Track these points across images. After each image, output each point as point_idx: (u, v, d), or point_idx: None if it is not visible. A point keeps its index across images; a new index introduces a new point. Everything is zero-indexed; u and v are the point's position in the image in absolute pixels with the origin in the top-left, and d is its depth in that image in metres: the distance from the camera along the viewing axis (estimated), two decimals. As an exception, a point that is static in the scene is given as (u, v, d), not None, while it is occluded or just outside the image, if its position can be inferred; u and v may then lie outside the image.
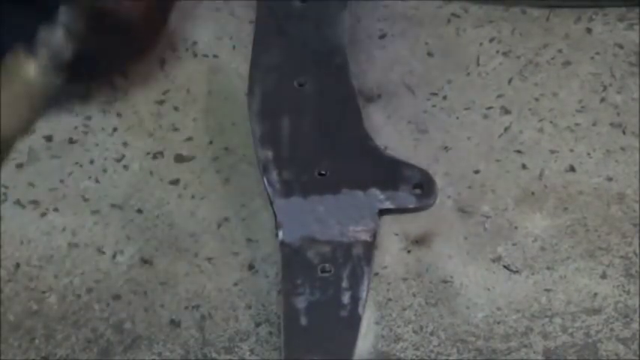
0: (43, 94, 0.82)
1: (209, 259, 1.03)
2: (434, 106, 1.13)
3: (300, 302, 0.96)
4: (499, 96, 1.13)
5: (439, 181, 1.05)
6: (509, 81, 1.15)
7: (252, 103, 1.07)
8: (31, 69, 0.81)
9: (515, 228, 1.04)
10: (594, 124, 1.11)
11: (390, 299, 1.00)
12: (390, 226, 1.03)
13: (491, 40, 1.18)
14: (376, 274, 1.01)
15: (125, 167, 1.10)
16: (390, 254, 1.02)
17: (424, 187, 1.04)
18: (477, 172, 1.08)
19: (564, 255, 1.02)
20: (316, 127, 1.06)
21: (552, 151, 1.09)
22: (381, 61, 1.16)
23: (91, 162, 1.10)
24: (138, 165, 1.10)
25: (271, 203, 1.02)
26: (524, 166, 1.08)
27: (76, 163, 1.10)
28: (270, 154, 1.04)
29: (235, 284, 1.01)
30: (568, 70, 1.15)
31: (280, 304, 0.97)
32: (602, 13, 1.19)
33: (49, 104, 0.84)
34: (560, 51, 1.17)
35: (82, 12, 0.84)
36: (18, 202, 1.07)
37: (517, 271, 1.01)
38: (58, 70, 0.83)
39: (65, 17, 0.84)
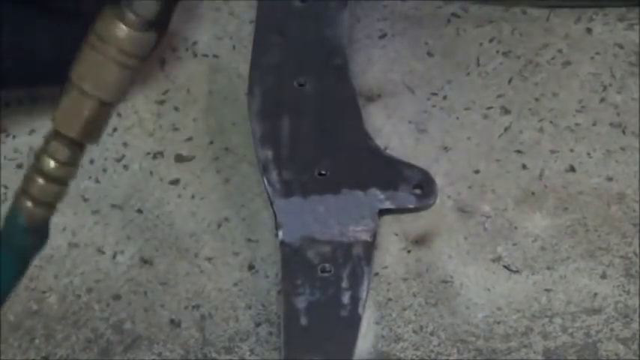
0: (138, 52, 0.77)
1: (209, 259, 1.03)
2: (434, 106, 1.13)
3: (300, 302, 0.96)
4: (499, 96, 1.13)
5: (439, 181, 1.05)
6: (509, 81, 1.14)
7: (252, 103, 1.07)
8: (121, 29, 0.77)
9: (515, 228, 1.04)
10: (594, 124, 1.11)
11: (390, 299, 1.00)
12: (390, 226, 1.03)
13: (491, 40, 1.18)
14: (376, 274, 1.01)
15: (125, 167, 1.10)
16: (390, 254, 1.02)
17: (424, 187, 1.04)
18: (477, 172, 1.08)
19: (564, 255, 1.02)
20: (316, 127, 1.06)
21: (552, 151, 1.09)
22: (381, 61, 1.16)
23: (91, 162, 1.10)
24: (138, 165, 1.10)
25: (271, 203, 1.02)
26: (524, 166, 1.08)
27: (76, 163, 1.10)
28: (270, 154, 1.04)
29: (235, 284, 1.01)
30: (568, 70, 1.15)
31: (280, 304, 0.97)
32: (602, 13, 1.19)
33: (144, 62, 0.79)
34: (560, 51, 1.17)
35: None
36: (18, 202, 1.07)
37: (517, 271, 1.01)
38: (149, 25, 0.78)
39: None
